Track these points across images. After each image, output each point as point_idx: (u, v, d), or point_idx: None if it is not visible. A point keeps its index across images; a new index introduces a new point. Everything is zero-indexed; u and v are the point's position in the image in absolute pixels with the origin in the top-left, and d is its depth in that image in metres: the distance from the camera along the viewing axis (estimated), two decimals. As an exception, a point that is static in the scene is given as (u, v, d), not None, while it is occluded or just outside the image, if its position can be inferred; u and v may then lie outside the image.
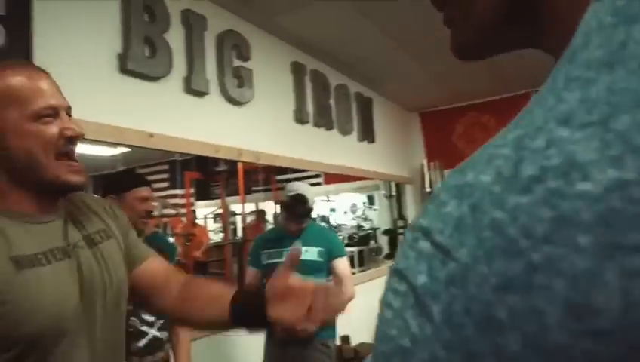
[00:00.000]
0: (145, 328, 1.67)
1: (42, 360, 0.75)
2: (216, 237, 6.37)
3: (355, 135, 4.20)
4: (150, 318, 1.70)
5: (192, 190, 5.61)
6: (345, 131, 3.99)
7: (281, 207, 2.41)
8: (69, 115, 0.88)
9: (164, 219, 5.41)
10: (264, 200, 5.63)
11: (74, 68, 1.96)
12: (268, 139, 3.06)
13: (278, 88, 3.25)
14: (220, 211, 5.85)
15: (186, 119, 2.47)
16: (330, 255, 2.40)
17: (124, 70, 2.16)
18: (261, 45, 3.07)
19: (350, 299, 2.32)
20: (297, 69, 3.43)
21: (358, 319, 3.90)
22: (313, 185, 5.92)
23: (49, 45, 1.86)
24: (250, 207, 6.21)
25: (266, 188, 5.49)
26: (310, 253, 2.35)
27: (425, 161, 5.23)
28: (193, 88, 2.50)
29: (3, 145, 0.79)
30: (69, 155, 0.84)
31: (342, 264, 2.41)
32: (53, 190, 0.85)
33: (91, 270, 0.87)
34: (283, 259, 2.22)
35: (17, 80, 0.81)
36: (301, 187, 2.36)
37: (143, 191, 1.78)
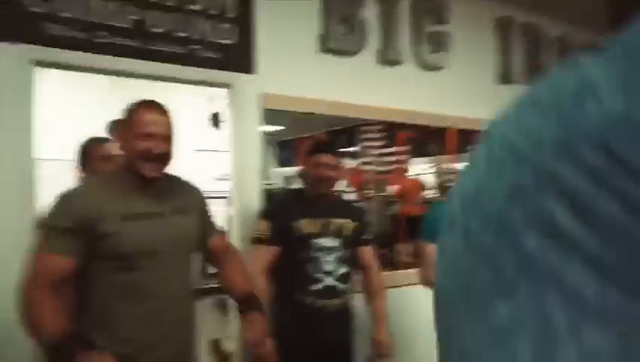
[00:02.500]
0: (319, 275, 1.87)
1: (131, 269, 1.33)
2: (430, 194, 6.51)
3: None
4: (328, 268, 1.89)
5: (406, 147, 5.86)
6: (564, 88, 3.52)
7: None
8: (164, 138, 1.40)
9: (379, 176, 5.87)
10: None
11: (284, 52, 2.38)
12: (465, 102, 3.02)
13: (478, 49, 3.12)
14: (434, 169, 5.97)
15: (381, 89, 2.68)
16: None
17: (324, 49, 2.49)
18: (461, 5, 2.98)
19: None
20: (503, 25, 3.19)
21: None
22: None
23: (266, 36, 2.32)
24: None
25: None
26: None
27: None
28: (387, 59, 2.67)
29: (126, 149, 1.39)
30: (150, 158, 1.36)
31: None
32: (141, 177, 1.38)
33: (166, 229, 1.41)
34: None
35: (140, 114, 1.39)
36: None
37: (320, 157, 1.91)
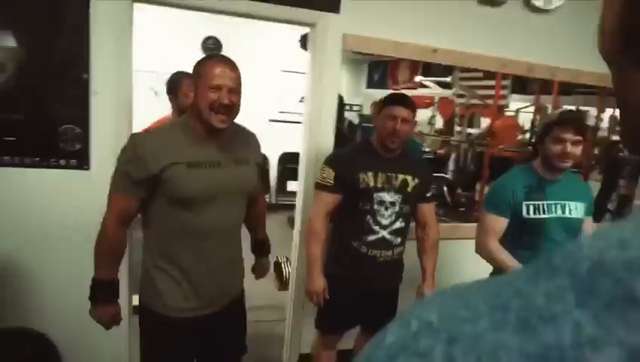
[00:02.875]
0: (376, 228, 1.94)
1: (189, 209, 1.49)
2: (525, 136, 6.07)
3: None
4: (384, 221, 1.95)
5: (506, 82, 5.43)
6: None
7: (549, 127, 1.88)
8: (231, 90, 1.47)
9: (471, 110, 5.55)
10: (584, 104, 4.92)
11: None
12: (577, 53, 2.68)
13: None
14: (532, 109, 5.51)
15: (475, 32, 2.47)
16: (587, 213, 2.01)
17: (418, -13, 2.31)
18: None
19: None
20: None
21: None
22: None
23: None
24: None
25: (592, 91, 4.76)
26: (578, 210, 1.97)
27: None
28: (489, -2, 2.43)
29: (196, 99, 1.48)
30: (218, 109, 1.46)
31: (591, 225, 2.05)
32: (208, 127, 1.49)
33: (227, 177, 1.54)
34: (551, 216, 1.95)
35: (209, 67, 1.47)
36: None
37: (393, 110, 1.89)
